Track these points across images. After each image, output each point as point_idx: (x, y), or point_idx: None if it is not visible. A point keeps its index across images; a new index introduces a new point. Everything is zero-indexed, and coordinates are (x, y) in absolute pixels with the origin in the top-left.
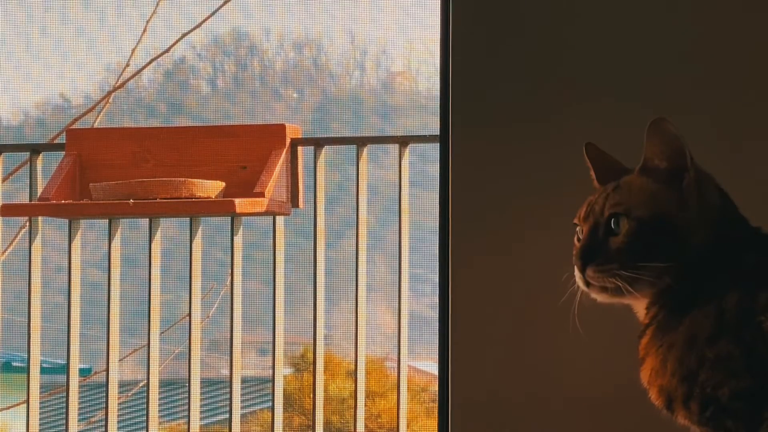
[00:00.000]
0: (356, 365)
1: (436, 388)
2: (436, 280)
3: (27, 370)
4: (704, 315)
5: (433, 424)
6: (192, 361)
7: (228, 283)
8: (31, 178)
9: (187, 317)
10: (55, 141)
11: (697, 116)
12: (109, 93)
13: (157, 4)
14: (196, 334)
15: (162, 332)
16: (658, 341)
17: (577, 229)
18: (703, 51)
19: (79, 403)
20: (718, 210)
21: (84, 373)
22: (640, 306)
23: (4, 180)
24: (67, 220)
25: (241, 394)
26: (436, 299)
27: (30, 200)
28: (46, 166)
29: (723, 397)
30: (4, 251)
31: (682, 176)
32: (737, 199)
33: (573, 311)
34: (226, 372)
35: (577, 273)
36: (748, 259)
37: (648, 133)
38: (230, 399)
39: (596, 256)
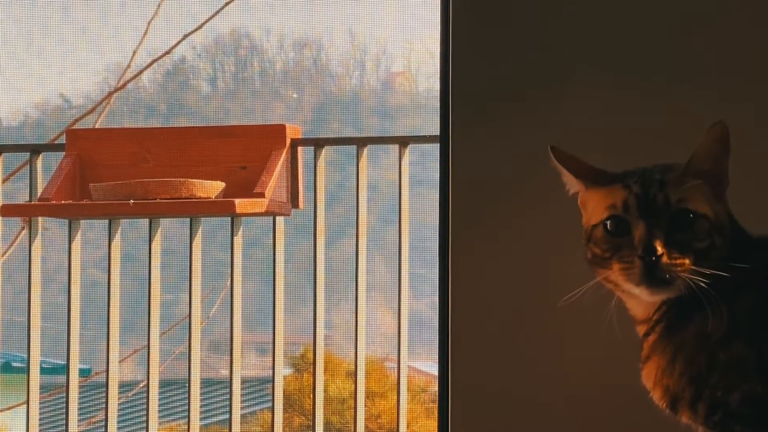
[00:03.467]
0: (356, 365)
1: (436, 389)
2: (436, 280)
3: (27, 370)
4: (716, 316)
5: (433, 424)
6: (192, 361)
7: (228, 283)
8: (31, 178)
9: (188, 317)
10: (56, 141)
11: (697, 114)
12: (110, 93)
13: (159, 5)
14: (196, 334)
15: (162, 332)
16: (665, 340)
17: (608, 222)
18: (705, 49)
19: (79, 404)
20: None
21: (84, 373)
22: (649, 302)
23: (4, 180)
24: (67, 220)
25: (241, 395)
26: (436, 299)
27: (30, 200)
28: (46, 166)
29: (733, 402)
30: (5, 251)
31: (721, 181)
32: (737, 199)
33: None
34: (226, 372)
35: (637, 266)
36: (753, 260)
37: (707, 134)
38: (230, 399)
39: (669, 249)
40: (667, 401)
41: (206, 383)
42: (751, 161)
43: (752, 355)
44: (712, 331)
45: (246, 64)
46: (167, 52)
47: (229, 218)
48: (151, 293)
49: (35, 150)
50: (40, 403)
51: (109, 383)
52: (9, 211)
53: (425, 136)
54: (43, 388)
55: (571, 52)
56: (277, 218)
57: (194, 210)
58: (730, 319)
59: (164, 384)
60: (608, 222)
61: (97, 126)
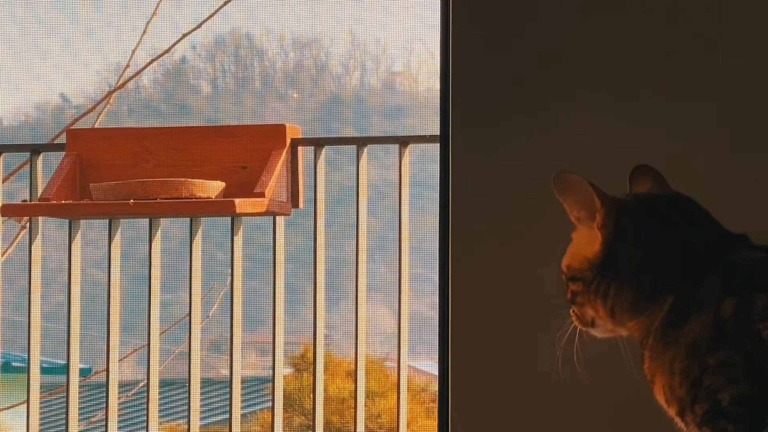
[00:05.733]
0: (356, 365)
1: (436, 388)
2: (436, 280)
3: (27, 370)
4: (702, 323)
5: (433, 424)
6: (192, 361)
7: (228, 282)
8: (31, 178)
9: (188, 317)
10: (56, 141)
11: (699, 112)
12: (110, 93)
13: (158, 4)
14: (197, 334)
15: (162, 332)
16: (658, 360)
17: None
18: (705, 49)
19: (80, 403)
20: None
21: (84, 373)
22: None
23: (4, 180)
24: (67, 220)
25: (242, 394)
26: (436, 299)
27: (30, 200)
28: (46, 166)
29: (723, 401)
30: (5, 251)
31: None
32: (736, 200)
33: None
34: (226, 372)
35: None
36: (737, 259)
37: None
38: (230, 399)
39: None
40: (677, 410)
41: (206, 383)
42: (750, 172)
43: (740, 357)
44: (700, 338)
45: (246, 64)
46: (166, 51)
47: (229, 218)
48: (151, 293)
49: (35, 150)
50: (40, 402)
51: (109, 383)
52: (9, 211)
53: (425, 136)
54: (43, 388)
55: (572, 51)
56: (277, 218)
57: (194, 210)
58: (717, 325)
59: (164, 384)
60: None
61: (97, 126)
